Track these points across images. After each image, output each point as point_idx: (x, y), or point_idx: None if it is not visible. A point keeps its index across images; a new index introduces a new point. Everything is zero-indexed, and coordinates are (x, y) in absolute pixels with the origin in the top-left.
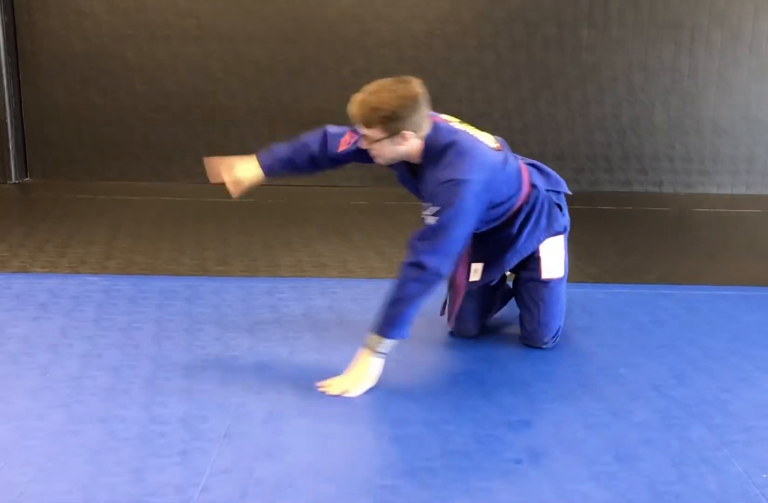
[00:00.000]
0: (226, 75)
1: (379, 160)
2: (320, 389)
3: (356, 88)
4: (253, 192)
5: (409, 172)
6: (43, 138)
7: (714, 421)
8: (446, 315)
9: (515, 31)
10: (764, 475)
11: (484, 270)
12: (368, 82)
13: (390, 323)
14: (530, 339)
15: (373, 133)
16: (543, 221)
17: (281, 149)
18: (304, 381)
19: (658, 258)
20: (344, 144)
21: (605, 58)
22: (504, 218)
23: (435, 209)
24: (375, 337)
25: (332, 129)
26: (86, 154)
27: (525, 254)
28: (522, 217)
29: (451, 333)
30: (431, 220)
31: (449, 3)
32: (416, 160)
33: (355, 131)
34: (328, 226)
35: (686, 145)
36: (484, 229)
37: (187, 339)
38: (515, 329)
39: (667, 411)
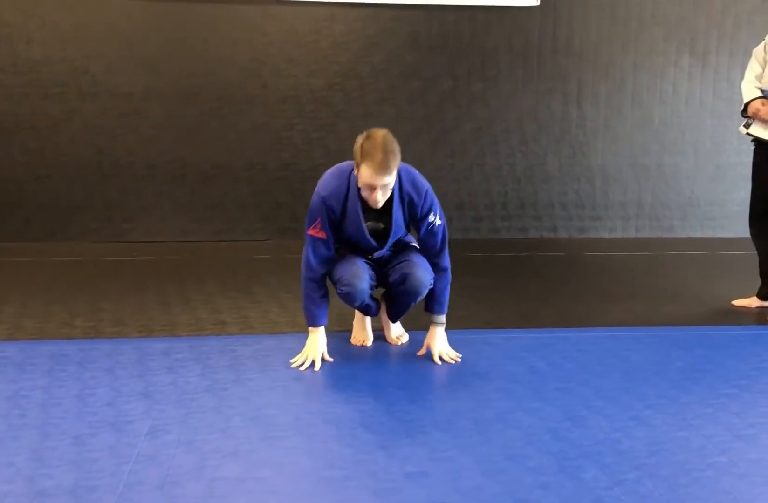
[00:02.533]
0: (123, 131)
1: (380, 204)
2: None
3: (256, 143)
4: (152, 249)
5: (370, 213)
6: None
7: (606, 461)
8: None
9: (412, 86)
10: None
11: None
12: (268, 136)
13: (446, 305)
14: (415, 280)
15: (394, 176)
16: None
17: (316, 302)
18: (200, 444)
19: (554, 302)
20: (320, 233)
21: (498, 111)
22: None
23: (435, 213)
24: (442, 316)
25: (315, 260)
26: None
27: None
28: None
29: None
30: (438, 222)
31: (347, 59)
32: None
33: (313, 227)
34: (229, 281)
35: (578, 191)
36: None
37: (78, 405)
38: (413, 377)
39: (562, 453)
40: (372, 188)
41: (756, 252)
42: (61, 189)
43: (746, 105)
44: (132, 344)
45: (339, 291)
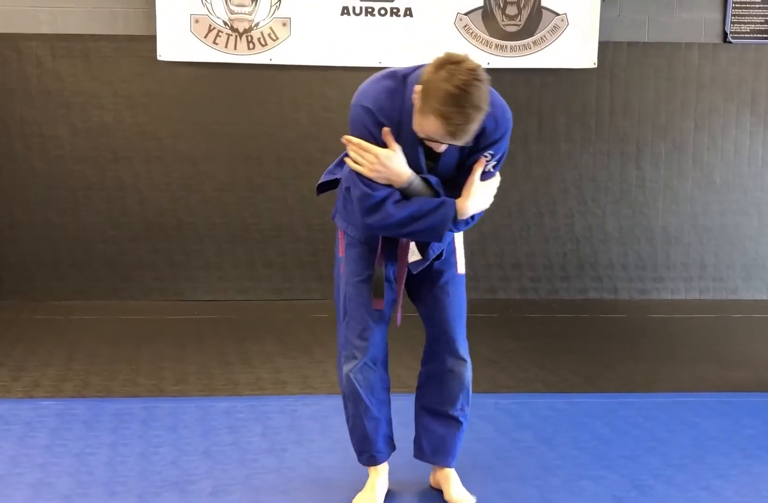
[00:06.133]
0: (186, 193)
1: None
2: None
3: (315, 203)
4: (213, 308)
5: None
6: None
7: None
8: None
9: None
10: None
11: (423, 249)
12: (327, 197)
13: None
14: (442, 344)
15: (471, 136)
16: None
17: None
18: None
19: (616, 366)
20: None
21: (556, 171)
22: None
23: (493, 153)
24: None
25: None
26: (44, 273)
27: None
28: None
29: None
30: (490, 167)
31: None
32: None
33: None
34: (289, 340)
35: (639, 252)
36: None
37: (142, 463)
38: (475, 445)
39: None
40: (436, 141)
41: None
42: (126, 249)
43: None
44: (194, 403)
45: (341, 372)
